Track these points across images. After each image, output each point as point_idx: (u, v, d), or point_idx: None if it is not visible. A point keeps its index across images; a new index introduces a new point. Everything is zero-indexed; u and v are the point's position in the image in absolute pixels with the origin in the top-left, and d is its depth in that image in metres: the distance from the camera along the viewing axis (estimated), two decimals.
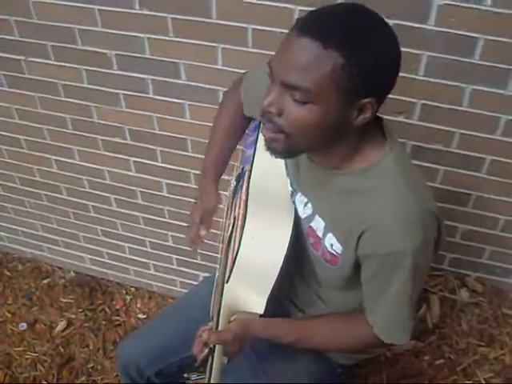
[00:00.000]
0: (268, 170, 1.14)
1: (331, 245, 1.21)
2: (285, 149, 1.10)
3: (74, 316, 2.59)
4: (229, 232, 1.42)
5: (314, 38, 0.95)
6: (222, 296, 1.29)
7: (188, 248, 2.31)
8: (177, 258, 2.46)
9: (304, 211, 1.27)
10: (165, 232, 2.36)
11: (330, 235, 1.21)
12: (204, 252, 2.36)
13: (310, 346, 1.35)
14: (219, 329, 1.24)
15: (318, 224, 1.23)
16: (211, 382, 1.19)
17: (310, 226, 1.26)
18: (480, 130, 1.62)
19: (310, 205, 1.26)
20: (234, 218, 1.38)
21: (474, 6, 1.38)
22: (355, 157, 1.13)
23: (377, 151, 1.12)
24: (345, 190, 1.15)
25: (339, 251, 1.20)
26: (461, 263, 1.97)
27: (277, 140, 1.08)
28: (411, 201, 1.08)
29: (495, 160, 1.66)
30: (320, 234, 1.24)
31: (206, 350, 1.21)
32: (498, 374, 1.80)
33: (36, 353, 2.47)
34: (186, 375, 1.35)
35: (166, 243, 2.41)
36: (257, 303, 1.26)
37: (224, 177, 1.84)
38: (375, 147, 1.13)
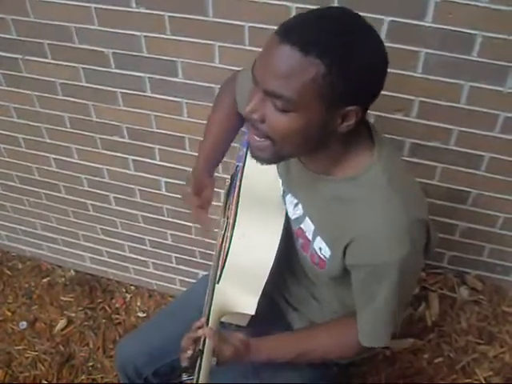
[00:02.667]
0: (260, 170, 1.14)
1: (320, 248, 1.21)
2: (271, 156, 1.09)
3: (74, 314, 2.59)
4: (223, 231, 1.42)
5: (295, 46, 0.94)
6: (212, 296, 1.28)
7: (186, 246, 2.33)
8: (176, 257, 2.46)
9: (294, 212, 1.27)
10: (164, 230, 2.36)
11: (318, 238, 1.21)
12: (203, 250, 2.36)
13: (309, 360, 1.36)
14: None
15: (308, 226, 1.23)
16: (199, 382, 1.18)
17: (300, 227, 1.25)
18: (479, 127, 1.61)
19: (300, 206, 1.25)
20: (227, 218, 1.38)
21: (472, 3, 1.37)
22: (342, 163, 1.12)
23: (365, 158, 1.11)
24: (332, 197, 1.15)
25: (327, 255, 1.20)
26: (460, 261, 1.96)
27: (264, 148, 1.08)
28: (397, 212, 1.06)
29: (494, 157, 1.66)
30: (309, 237, 1.23)
31: (196, 350, 1.21)
32: (498, 373, 1.79)
33: (36, 351, 2.47)
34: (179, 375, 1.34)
35: (166, 241, 2.41)
36: (248, 304, 1.26)
37: (221, 175, 1.84)
38: (363, 154, 1.11)
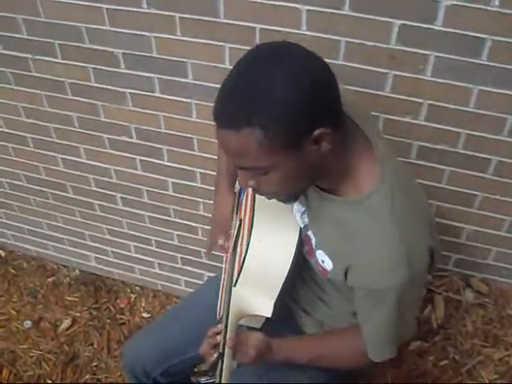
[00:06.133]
0: None
1: (322, 261, 1.22)
2: (285, 199, 1.18)
3: (78, 314, 2.60)
4: (235, 233, 1.42)
5: (227, 127, 0.97)
6: (229, 299, 1.29)
7: (192, 247, 2.33)
8: (182, 257, 2.47)
9: (302, 220, 1.28)
10: (170, 231, 2.37)
11: (320, 251, 1.22)
12: None
13: (323, 365, 1.37)
14: (228, 333, 1.24)
15: (312, 236, 1.24)
16: None
17: (307, 234, 1.26)
18: (486, 130, 1.61)
19: (306, 215, 1.26)
20: (241, 220, 1.38)
21: (482, 7, 1.37)
22: (347, 182, 1.11)
23: (368, 178, 1.09)
24: (333, 218, 1.15)
25: (329, 268, 1.21)
26: (466, 264, 1.97)
27: (275, 197, 1.16)
28: (396, 243, 1.06)
29: (501, 161, 1.66)
30: (313, 246, 1.24)
31: (216, 354, 1.21)
32: (503, 376, 1.80)
33: (41, 351, 2.48)
34: (194, 380, 1.35)
35: (172, 242, 2.41)
36: (265, 306, 1.27)
37: None
38: (366, 172, 1.10)
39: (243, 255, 1.27)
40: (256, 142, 0.96)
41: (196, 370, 1.57)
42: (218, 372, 1.18)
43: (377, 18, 1.46)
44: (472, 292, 1.95)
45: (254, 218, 1.28)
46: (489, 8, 1.37)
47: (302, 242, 1.30)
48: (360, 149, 1.11)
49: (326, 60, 1.55)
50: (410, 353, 1.86)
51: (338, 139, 1.02)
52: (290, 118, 0.95)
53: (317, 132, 0.98)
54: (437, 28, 1.44)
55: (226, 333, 1.23)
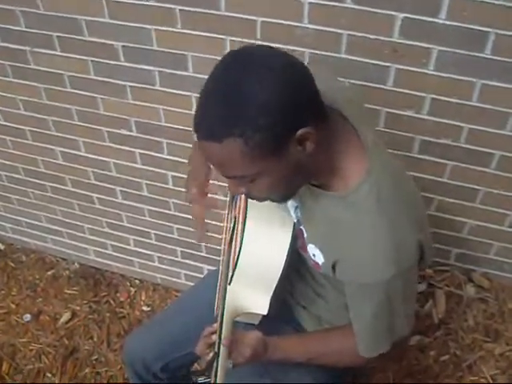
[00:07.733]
0: None
1: (314, 255, 1.22)
2: (279, 200, 1.16)
3: (78, 308, 2.59)
4: (230, 230, 1.42)
5: (207, 139, 0.97)
6: (224, 298, 1.28)
7: (192, 240, 2.33)
8: (181, 251, 2.46)
9: (295, 215, 1.27)
10: (170, 224, 2.36)
11: (311, 245, 1.22)
12: (208, 245, 2.35)
13: (321, 363, 1.37)
14: (223, 331, 1.23)
15: (304, 231, 1.24)
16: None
17: (300, 229, 1.26)
18: (489, 125, 1.60)
19: (299, 209, 1.25)
20: (235, 217, 1.37)
21: (486, 0, 1.36)
22: (335, 176, 1.10)
23: (355, 171, 1.08)
24: (322, 213, 1.15)
25: (320, 263, 1.21)
26: (467, 258, 1.96)
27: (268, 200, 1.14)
28: (382, 237, 1.06)
29: (504, 155, 1.65)
30: (305, 240, 1.24)
31: (211, 354, 1.21)
32: (504, 371, 1.80)
33: (40, 344, 2.47)
34: (193, 378, 1.35)
35: (171, 236, 2.41)
36: (260, 304, 1.27)
37: None
38: (353, 165, 1.09)
39: (237, 251, 1.26)
40: (239, 152, 0.95)
41: (194, 368, 1.57)
42: (213, 372, 1.17)
43: (379, 10, 1.45)
44: (473, 287, 1.94)
45: (248, 214, 1.27)
46: (493, 1, 1.36)
47: (296, 236, 1.29)
48: (347, 142, 1.10)
49: (328, 53, 1.57)
50: (411, 348, 1.86)
51: (321, 136, 1.01)
52: (271, 122, 0.94)
53: (299, 133, 0.97)
54: (440, 21, 1.43)
55: (221, 332, 1.22)
